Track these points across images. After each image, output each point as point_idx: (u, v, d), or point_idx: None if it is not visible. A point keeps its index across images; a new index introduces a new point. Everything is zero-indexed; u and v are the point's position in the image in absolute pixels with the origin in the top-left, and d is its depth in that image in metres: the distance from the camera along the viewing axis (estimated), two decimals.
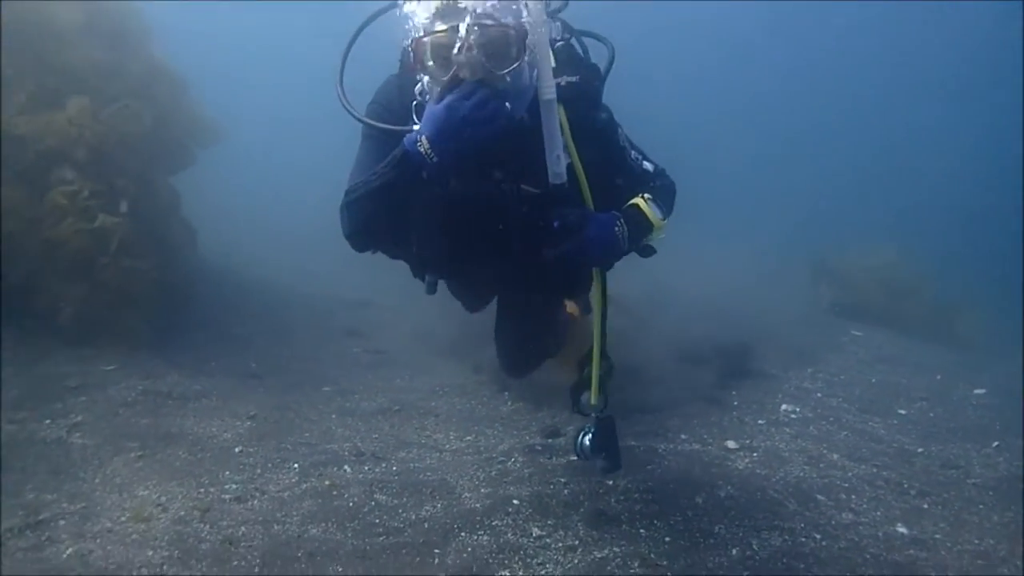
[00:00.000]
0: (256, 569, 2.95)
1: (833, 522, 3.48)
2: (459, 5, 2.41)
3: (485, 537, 3.29)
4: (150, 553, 2.98)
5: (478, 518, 3.43)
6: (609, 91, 2.98)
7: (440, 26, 2.43)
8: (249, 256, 8.57)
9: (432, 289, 3.22)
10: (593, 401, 3.18)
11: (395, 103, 2.77)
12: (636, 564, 3.07)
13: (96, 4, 5.96)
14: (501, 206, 2.77)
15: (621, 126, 2.96)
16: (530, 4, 2.49)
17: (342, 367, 5.92)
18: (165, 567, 2.89)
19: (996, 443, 4.76)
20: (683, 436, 4.57)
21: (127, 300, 5.31)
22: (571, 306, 4.31)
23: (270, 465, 3.91)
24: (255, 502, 3.51)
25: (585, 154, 2.73)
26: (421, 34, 2.48)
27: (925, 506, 3.76)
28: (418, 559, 3.10)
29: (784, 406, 5.21)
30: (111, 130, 5.53)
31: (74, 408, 4.32)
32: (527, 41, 2.47)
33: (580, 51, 2.96)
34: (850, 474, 4.09)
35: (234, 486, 3.64)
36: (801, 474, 4.05)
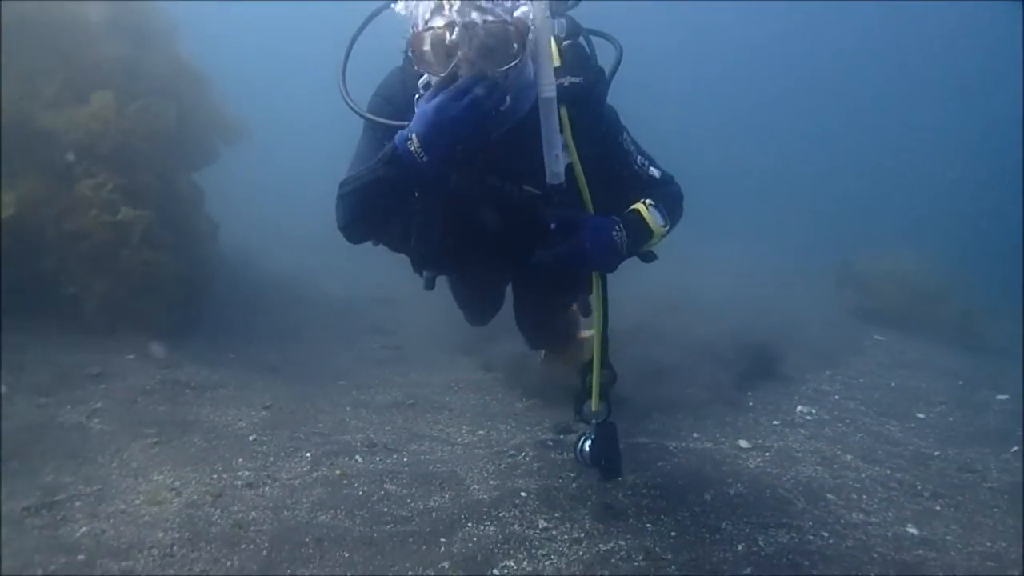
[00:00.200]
0: (264, 553, 2.99)
1: (842, 521, 3.46)
2: (459, 1, 2.39)
3: (491, 528, 3.31)
4: (161, 534, 3.03)
5: (485, 509, 3.45)
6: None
7: (439, 21, 2.41)
8: (274, 253, 8.68)
9: (430, 285, 3.23)
10: (594, 408, 3.18)
11: (398, 96, 2.78)
12: (640, 557, 3.08)
13: (122, 3, 6.07)
14: (501, 205, 2.76)
15: (627, 129, 2.94)
16: (532, 1, 2.47)
17: (360, 362, 5.98)
18: (174, 548, 2.95)
19: (1015, 448, 4.71)
20: (695, 435, 4.57)
21: (148, 291, 5.40)
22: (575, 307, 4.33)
23: (283, 454, 3.95)
24: (266, 489, 3.56)
25: (587, 156, 2.70)
26: (420, 28, 2.47)
27: (938, 508, 3.73)
28: (424, 547, 3.13)
29: (800, 407, 5.19)
30: (135, 125, 5.62)
31: (94, 395, 4.40)
32: (528, 38, 2.44)
33: (587, 51, 2.90)
34: (863, 475, 4.07)
35: (247, 473, 3.69)
36: (813, 474, 4.03)
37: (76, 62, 5.62)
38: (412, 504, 3.50)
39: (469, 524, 3.33)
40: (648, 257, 2.99)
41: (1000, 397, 5.92)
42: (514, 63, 2.43)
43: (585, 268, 2.80)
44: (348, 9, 3.10)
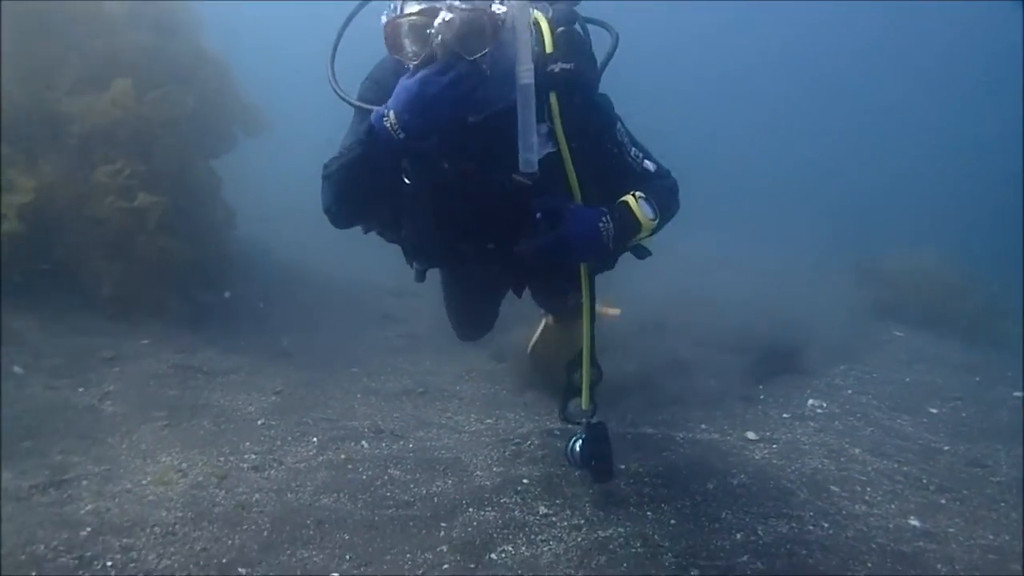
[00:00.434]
0: (265, 533, 3.03)
1: (843, 512, 3.44)
2: None
3: (492, 513, 3.33)
4: (164, 513, 3.08)
5: (487, 495, 3.47)
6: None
7: (413, 7, 2.40)
8: (290, 241, 8.71)
9: (420, 277, 3.22)
10: (584, 407, 3.13)
11: (389, 81, 2.72)
12: (638, 544, 3.08)
13: None
14: (490, 194, 2.71)
15: (622, 121, 2.88)
16: None
17: (373, 350, 6.01)
18: (176, 526, 2.99)
19: None
20: (704, 426, 4.56)
21: (164, 277, 5.48)
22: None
23: (290, 438, 4.00)
24: (272, 471, 3.60)
25: (576, 145, 2.66)
26: (396, 15, 2.45)
27: (943, 501, 3.70)
28: (424, 531, 3.16)
29: (811, 401, 5.16)
30: (154, 113, 5.68)
31: (107, 378, 4.47)
32: (503, 25, 2.41)
33: (582, 38, 2.80)
34: (869, 468, 4.04)
35: (253, 456, 3.74)
36: (819, 466, 4.01)
37: (96, 50, 5.70)
38: (415, 489, 3.53)
39: (470, 509, 3.35)
40: (641, 253, 2.95)
41: (1017, 394, 5.84)
42: (487, 50, 2.40)
43: (569, 258, 2.71)
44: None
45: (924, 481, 3.91)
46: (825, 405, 5.11)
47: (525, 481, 3.61)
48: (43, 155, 5.35)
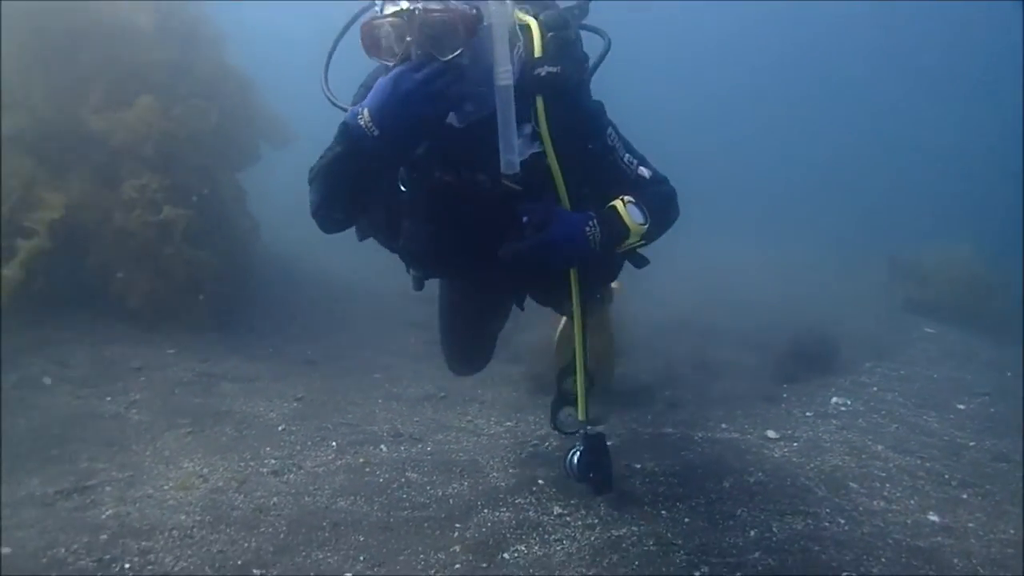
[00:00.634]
0: (281, 536, 3.08)
1: (861, 508, 3.41)
2: None
3: (506, 513, 3.35)
4: (183, 517, 3.15)
5: (501, 496, 3.50)
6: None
7: (390, 8, 2.39)
8: (315, 250, 8.81)
9: (418, 285, 3.19)
10: (580, 417, 3.05)
11: None
12: (651, 543, 3.08)
13: (169, 7, 6.28)
14: (479, 200, 2.68)
15: (614, 126, 2.83)
16: None
17: (396, 356, 6.07)
18: (194, 530, 3.06)
19: None
20: (724, 425, 4.54)
21: (190, 288, 5.59)
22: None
23: (310, 443, 4.06)
24: (291, 476, 3.66)
25: (566, 150, 2.62)
26: (370, 18, 2.44)
27: (964, 496, 3.65)
28: (438, 532, 3.19)
29: (835, 399, 5.11)
30: (178, 128, 5.81)
31: (134, 387, 4.57)
32: (479, 27, 2.39)
33: (572, 42, 2.71)
34: (891, 465, 3.99)
35: (273, 461, 3.81)
36: (839, 463, 3.97)
37: (123, 66, 5.84)
38: (431, 491, 3.56)
39: (485, 510, 3.38)
40: (639, 262, 2.93)
41: None
42: (459, 52, 2.37)
43: (553, 262, 2.61)
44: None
45: (946, 477, 3.86)
46: (849, 403, 5.06)
47: (540, 482, 3.63)
48: (72, 171, 5.49)
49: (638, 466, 3.79)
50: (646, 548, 3.05)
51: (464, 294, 3.67)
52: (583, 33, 2.86)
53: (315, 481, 3.60)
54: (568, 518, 3.32)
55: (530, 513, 3.35)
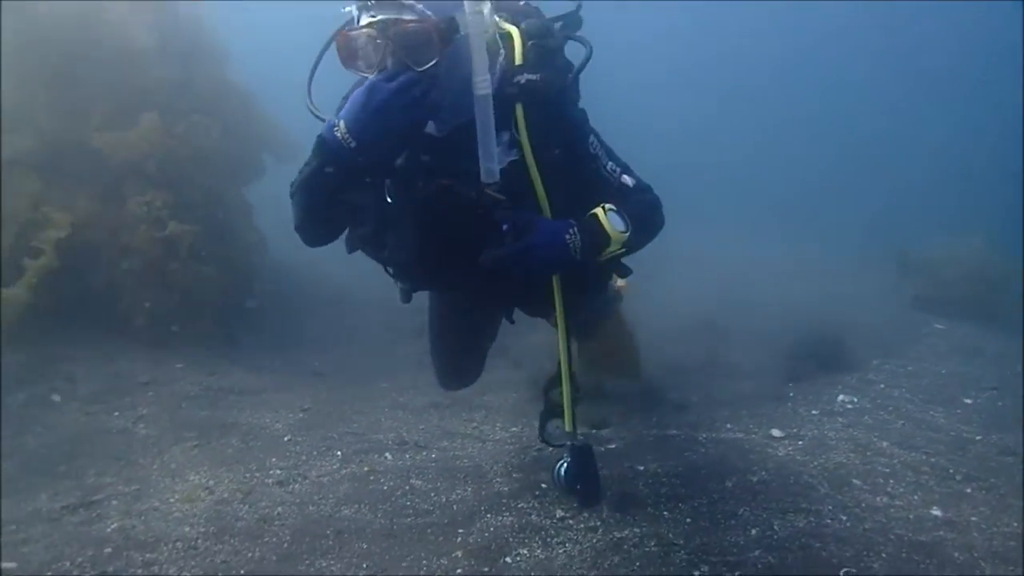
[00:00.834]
0: (285, 545, 3.11)
1: (863, 505, 3.40)
2: (381, 1, 2.35)
3: (509, 518, 3.36)
4: (187, 529, 3.18)
5: (505, 500, 3.51)
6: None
7: (365, 19, 2.39)
8: (322, 262, 8.87)
9: (406, 297, 3.17)
10: (567, 428, 3.01)
11: None
12: (653, 544, 3.09)
13: (170, 27, 6.35)
14: (463, 210, 2.66)
15: (597, 134, 2.82)
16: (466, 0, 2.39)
17: (403, 365, 6.09)
18: (199, 541, 3.09)
19: None
20: (729, 426, 4.54)
21: (197, 303, 5.64)
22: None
23: (315, 453, 4.09)
24: (296, 486, 3.69)
25: (546, 158, 2.61)
26: (346, 30, 2.44)
27: (968, 491, 3.63)
28: (441, 538, 3.21)
29: (841, 396, 5.09)
30: (182, 144, 5.88)
31: (141, 401, 4.62)
32: (454, 37, 2.37)
33: (553, 50, 2.72)
34: (895, 461, 3.98)
35: (278, 471, 3.84)
36: (843, 460, 3.97)
37: (126, 85, 5.92)
38: (435, 498, 3.58)
39: (488, 515, 3.39)
40: (623, 271, 2.92)
41: None
42: (434, 62, 2.36)
43: (534, 269, 2.56)
44: None
45: (951, 471, 3.85)
46: (856, 400, 5.05)
47: (544, 486, 3.64)
48: (78, 190, 5.56)
49: (641, 468, 3.80)
50: (647, 549, 3.06)
51: (453, 308, 3.69)
52: (576, 43, 2.86)
53: (320, 490, 3.63)
54: (570, 521, 3.33)
55: (532, 517, 3.37)
